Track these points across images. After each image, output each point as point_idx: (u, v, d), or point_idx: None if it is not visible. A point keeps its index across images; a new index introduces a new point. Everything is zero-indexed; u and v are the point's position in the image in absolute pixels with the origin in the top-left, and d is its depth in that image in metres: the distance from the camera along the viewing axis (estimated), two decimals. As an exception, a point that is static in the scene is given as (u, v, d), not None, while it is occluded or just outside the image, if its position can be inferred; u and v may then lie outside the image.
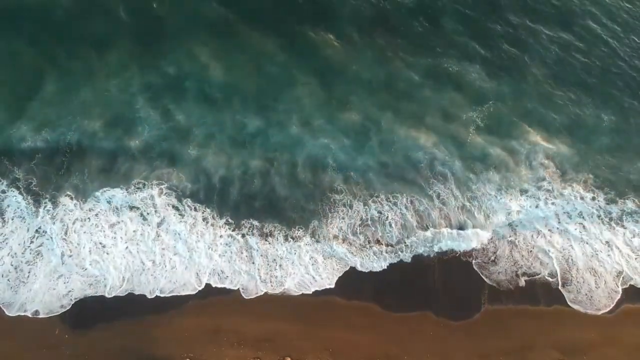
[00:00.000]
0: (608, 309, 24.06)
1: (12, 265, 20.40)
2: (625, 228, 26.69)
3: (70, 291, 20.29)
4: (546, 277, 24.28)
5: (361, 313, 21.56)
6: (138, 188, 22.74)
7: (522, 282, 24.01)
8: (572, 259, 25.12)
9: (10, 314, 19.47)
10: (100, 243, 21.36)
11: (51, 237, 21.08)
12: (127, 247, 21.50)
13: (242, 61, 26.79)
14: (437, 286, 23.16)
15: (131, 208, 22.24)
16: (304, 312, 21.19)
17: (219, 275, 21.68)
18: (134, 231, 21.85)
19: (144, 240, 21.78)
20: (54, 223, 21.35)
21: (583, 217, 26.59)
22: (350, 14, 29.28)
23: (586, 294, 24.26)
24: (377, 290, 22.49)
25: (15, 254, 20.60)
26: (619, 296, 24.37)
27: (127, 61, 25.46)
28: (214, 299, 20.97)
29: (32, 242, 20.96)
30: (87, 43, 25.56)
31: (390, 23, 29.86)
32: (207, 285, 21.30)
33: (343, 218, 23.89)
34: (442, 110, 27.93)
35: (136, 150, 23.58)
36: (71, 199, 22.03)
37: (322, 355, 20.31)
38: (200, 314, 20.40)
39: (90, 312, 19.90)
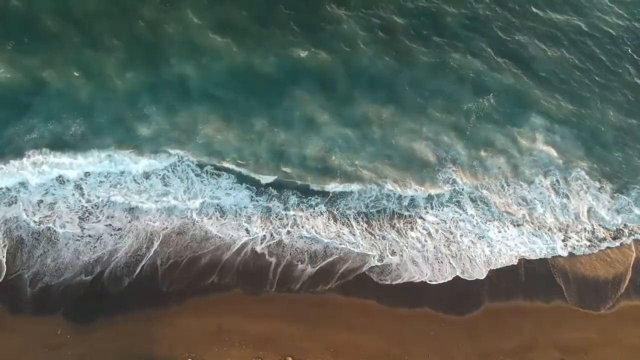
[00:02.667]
0: (608, 306, 24.29)
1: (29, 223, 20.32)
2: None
3: (98, 257, 20.47)
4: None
5: (362, 312, 21.64)
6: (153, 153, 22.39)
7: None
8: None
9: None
10: (129, 208, 21.45)
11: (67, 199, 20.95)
12: (155, 207, 21.63)
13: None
14: (437, 284, 23.15)
15: (147, 175, 22.05)
16: (305, 312, 21.21)
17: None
18: (161, 192, 21.84)
19: (169, 199, 21.85)
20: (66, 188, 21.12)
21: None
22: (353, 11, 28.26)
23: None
24: (377, 287, 22.49)
25: (31, 212, 20.45)
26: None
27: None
28: (214, 298, 20.91)
29: (40, 204, 20.70)
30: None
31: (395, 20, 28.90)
32: (209, 282, 21.21)
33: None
34: (446, 101, 27.36)
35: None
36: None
37: (323, 355, 20.45)
38: (201, 314, 20.37)
39: (92, 312, 19.84)
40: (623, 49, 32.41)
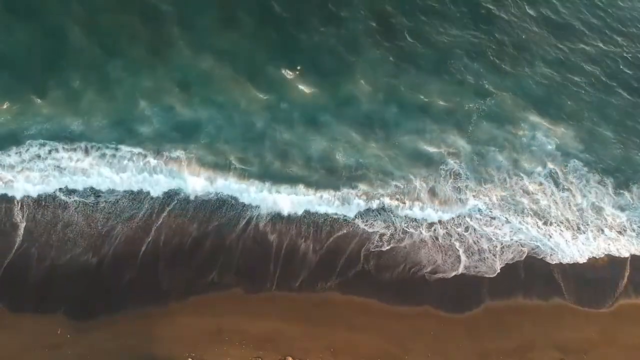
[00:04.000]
0: (607, 304, 24.36)
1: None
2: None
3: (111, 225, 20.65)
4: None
5: (362, 311, 21.59)
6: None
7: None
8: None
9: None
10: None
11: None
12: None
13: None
14: (437, 282, 23.13)
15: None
16: (305, 311, 21.15)
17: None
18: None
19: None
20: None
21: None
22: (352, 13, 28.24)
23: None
24: (377, 286, 22.42)
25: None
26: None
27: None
28: (214, 297, 20.83)
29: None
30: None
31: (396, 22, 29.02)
32: (210, 280, 21.09)
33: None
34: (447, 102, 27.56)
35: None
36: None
37: (323, 355, 20.46)
38: (201, 313, 20.33)
39: (92, 312, 19.74)
40: (621, 54, 33.05)
